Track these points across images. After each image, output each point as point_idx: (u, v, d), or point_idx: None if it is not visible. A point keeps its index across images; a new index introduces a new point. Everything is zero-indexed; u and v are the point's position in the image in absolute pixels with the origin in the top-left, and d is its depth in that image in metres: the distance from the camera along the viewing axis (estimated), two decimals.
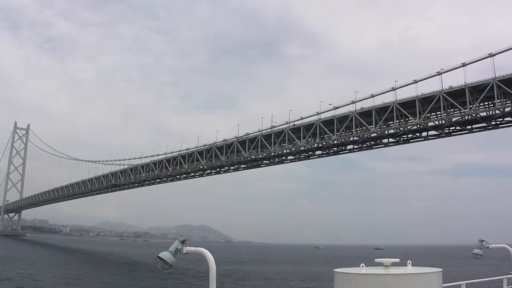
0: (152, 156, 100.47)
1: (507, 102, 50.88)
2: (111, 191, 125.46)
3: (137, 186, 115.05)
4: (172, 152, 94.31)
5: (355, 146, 67.97)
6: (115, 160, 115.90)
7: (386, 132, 61.00)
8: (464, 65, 52.87)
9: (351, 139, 63.98)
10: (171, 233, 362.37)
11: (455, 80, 54.63)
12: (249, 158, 77.79)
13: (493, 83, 49.63)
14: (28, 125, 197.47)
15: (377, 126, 58.89)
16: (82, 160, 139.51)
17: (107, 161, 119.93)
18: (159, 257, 4.97)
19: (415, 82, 56.61)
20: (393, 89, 58.15)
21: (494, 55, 50.56)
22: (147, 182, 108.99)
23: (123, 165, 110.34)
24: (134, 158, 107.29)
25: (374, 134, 61.81)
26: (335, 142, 65.68)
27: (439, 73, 54.74)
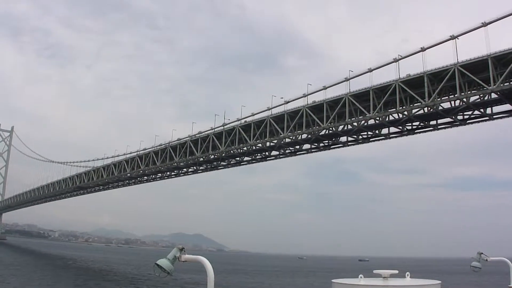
0: (113, 157, 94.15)
1: (473, 91, 43.07)
2: (80, 194, 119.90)
3: (103, 189, 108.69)
4: (131, 153, 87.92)
5: (313, 146, 60.57)
6: (81, 162, 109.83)
7: (344, 128, 53.71)
8: (423, 49, 45.25)
9: (303, 137, 56.57)
10: (164, 241, 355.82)
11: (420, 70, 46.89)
12: (201, 159, 70.82)
13: (454, 69, 42.06)
14: (12, 127, 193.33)
15: (328, 121, 51.36)
16: (53, 162, 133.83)
17: (74, 162, 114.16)
18: (157, 265, 4.76)
19: (370, 71, 48.95)
20: (346, 79, 50.66)
21: (456, 37, 43.01)
22: (110, 185, 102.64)
23: (87, 167, 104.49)
24: (98, 159, 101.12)
25: (330, 131, 54.36)
26: (287, 141, 58.37)
27: (395, 60, 47.12)
